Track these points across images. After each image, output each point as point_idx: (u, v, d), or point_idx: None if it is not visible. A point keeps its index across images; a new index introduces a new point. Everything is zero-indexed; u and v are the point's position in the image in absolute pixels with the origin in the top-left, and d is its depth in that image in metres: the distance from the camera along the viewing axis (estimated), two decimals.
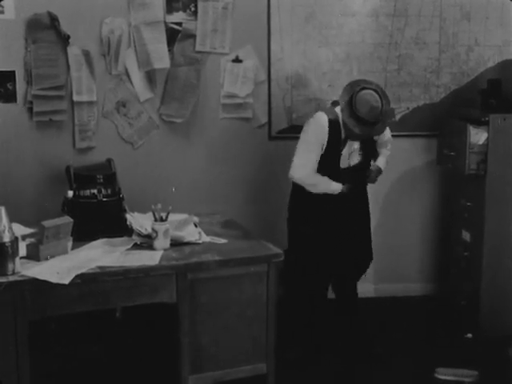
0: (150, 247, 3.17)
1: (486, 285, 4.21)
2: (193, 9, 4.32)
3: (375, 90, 3.59)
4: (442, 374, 3.71)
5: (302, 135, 3.73)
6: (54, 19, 4.09)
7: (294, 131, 4.59)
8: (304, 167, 3.68)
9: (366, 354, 3.92)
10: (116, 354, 3.71)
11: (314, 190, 3.72)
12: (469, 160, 4.13)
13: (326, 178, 3.71)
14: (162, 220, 3.19)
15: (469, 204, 4.35)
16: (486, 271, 4.20)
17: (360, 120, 3.54)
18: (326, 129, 3.64)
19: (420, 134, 4.77)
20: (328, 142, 3.67)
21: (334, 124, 3.65)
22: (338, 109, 3.70)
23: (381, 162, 3.95)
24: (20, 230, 3.21)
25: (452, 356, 3.98)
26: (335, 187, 3.72)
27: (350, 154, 3.76)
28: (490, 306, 4.22)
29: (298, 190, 3.84)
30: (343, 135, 3.69)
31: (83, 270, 2.87)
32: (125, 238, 3.31)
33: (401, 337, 4.24)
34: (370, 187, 3.99)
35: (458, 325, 4.37)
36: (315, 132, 3.67)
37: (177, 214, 3.41)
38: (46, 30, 4.10)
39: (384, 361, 3.89)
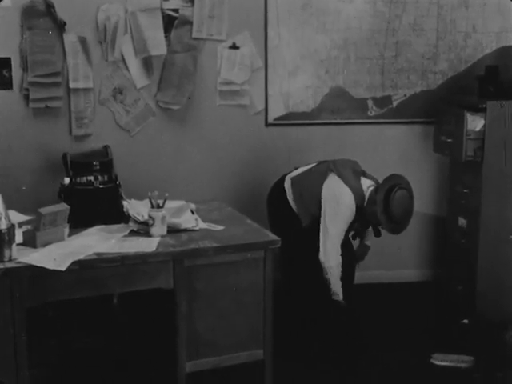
0: (147, 234, 3.17)
1: (482, 271, 4.23)
2: None
3: (407, 190, 3.69)
4: (439, 359, 3.73)
5: (332, 218, 3.69)
6: (49, 6, 4.07)
7: (290, 118, 4.60)
8: (337, 254, 3.72)
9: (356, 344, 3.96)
10: (113, 340, 3.72)
11: (327, 275, 3.73)
12: (466, 147, 4.14)
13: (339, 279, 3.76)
14: (158, 207, 3.18)
15: (465, 191, 4.35)
16: (483, 257, 4.22)
17: (392, 219, 3.66)
18: (354, 213, 3.72)
19: (417, 120, 4.76)
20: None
21: (359, 209, 3.72)
22: (364, 183, 3.77)
23: (368, 240, 4.08)
24: (17, 217, 3.21)
25: (448, 342, 4.00)
26: (339, 293, 3.76)
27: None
28: (486, 291, 4.24)
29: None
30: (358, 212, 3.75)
31: (80, 257, 2.87)
32: (121, 225, 3.30)
33: (397, 323, 4.26)
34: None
35: (455, 310, 4.39)
36: (346, 219, 3.72)
37: (174, 200, 3.41)
38: (41, 17, 4.09)
39: (379, 348, 3.90)
